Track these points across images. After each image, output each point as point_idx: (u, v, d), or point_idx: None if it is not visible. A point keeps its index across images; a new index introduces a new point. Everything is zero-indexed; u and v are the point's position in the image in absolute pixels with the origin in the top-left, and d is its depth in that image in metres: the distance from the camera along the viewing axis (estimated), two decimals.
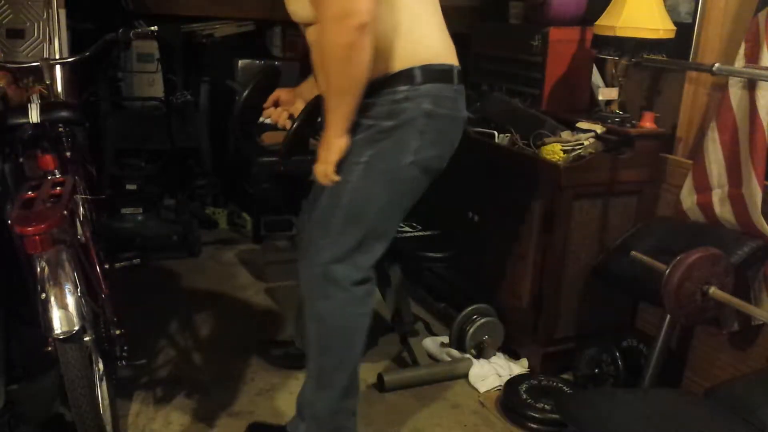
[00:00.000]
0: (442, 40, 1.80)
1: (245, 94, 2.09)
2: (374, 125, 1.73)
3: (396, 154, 1.74)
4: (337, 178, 1.73)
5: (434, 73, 1.74)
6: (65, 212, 1.69)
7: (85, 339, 1.67)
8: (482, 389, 2.48)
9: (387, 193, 1.77)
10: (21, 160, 2.08)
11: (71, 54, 2.91)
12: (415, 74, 1.71)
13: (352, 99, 1.64)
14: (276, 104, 2.12)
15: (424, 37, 1.76)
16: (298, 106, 2.08)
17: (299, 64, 4.15)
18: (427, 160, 1.77)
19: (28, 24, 2.97)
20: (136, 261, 3.28)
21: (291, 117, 2.10)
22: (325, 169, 1.73)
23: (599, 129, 2.48)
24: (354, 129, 1.72)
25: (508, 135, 2.66)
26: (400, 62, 1.72)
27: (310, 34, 1.81)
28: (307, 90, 2.10)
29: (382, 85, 1.71)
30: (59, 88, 2.36)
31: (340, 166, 1.72)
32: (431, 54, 1.75)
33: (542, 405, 2.30)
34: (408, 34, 1.71)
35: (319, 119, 1.86)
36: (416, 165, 1.76)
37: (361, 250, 1.78)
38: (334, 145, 1.70)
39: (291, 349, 2.56)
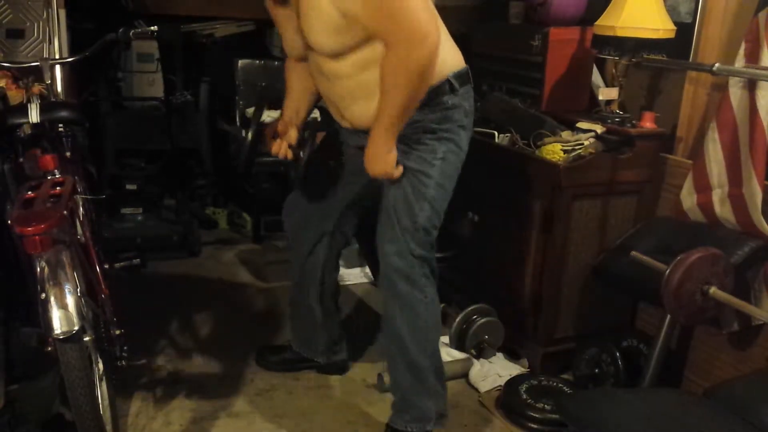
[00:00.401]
0: (454, 44, 2.00)
1: (250, 139, 2.16)
2: (435, 129, 1.93)
3: (456, 152, 1.98)
4: (399, 173, 1.91)
5: (463, 77, 1.97)
6: (65, 212, 1.69)
7: (84, 339, 1.67)
8: (482, 389, 2.48)
9: (451, 186, 2.00)
10: (21, 160, 2.08)
11: (71, 54, 2.91)
12: (453, 83, 1.93)
13: (410, 115, 1.84)
14: (274, 135, 2.18)
15: (448, 47, 1.95)
16: (292, 134, 2.17)
17: None
18: (466, 154, 2.02)
19: (28, 24, 2.97)
20: (136, 261, 3.27)
21: (290, 146, 2.17)
22: (390, 175, 1.92)
23: (599, 129, 2.48)
24: (420, 134, 1.93)
25: (508, 135, 2.66)
26: (440, 74, 1.89)
27: (337, 67, 1.91)
28: (295, 116, 2.21)
29: (429, 97, 1.89)
30: (59, 88, 2.37)
31: (420, 163, 1.92)
32: (456, 60, 1.97)
33: (542, 405, 2.30)
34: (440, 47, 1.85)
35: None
36: (463, 160, 2.02)
37: (434, 239, 1.99)
38: (390, 158, 1.88)
39: (287, 354, 2.57)
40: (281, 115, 2.21)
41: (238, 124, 3.95)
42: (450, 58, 1.95)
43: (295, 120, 2.20)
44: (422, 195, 1.95)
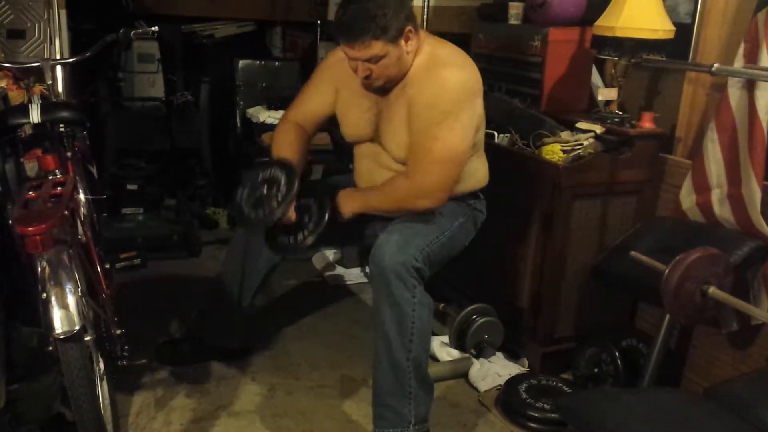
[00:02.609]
0: (486, 162, 2.34)
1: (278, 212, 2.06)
2: (457, 212, 2.23)
3: (470, 229, 2.30)
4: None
5: (485, 190, 2.34)
6: (66, 212, 1.70)
7: (85, 339, 1.67)
8: (482, 388, 2.49)
9: (456, 250, 2.25)
10: (22, 160, 2.08)
11: (72, 54, 2.91)
12: (477, 194, 2.32)
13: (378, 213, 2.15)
14: None
15: (483, 167, 2.32)
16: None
17: (299, 64, 4.16)
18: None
19: (29, 24, 2.98)
20: (137, 261, 3.29)
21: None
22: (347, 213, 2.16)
23: (599, 129, 2.49)
24: (449, 207, 2.19)
25: (508, 135, 2.66)
26: (473, 186, 2.28)
27: (398, 167, 2.18)
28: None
29: (460, 196, 2.25)
30: (60, 89, 2.37)
31: (448, 219, 2.18)
32: (486, 177, 2.32)
33: (542, 404, 2.31)
34: (474, 169, 2.25)
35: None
36: (465, 244, 2.30)
37: (433, 269, 2.13)
38: (350, 208, 2.15)
39: (184, 345, 2.56)
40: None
41: (238, 124, 3.96)
42: (483, 176, 2.30)
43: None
44: (441, 233, 2.14)
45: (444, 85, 2.05)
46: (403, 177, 2.12)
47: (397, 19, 1.98)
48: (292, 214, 2.11)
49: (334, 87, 2.27)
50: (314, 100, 2.31)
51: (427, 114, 2.04)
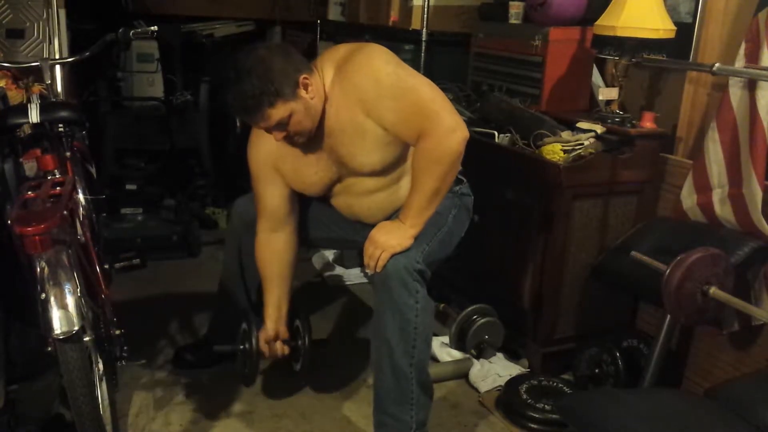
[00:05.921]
0: None
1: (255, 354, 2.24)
2: (449, 204, 2.17)
3: (464, 219, 2.25)
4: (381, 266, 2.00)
5: (462, 173, 2.23)
6: (65, 212, 1.69)
7: (84, 339, 1.67)
8: (482, 389, 2.48)
9: (455, 242, 2.21)
10: (21, 160, 2.08)
11: (71, 54, 2.91)
12: (459, 179, 2.21)
13: (439, 201, 2.02)
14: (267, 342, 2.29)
15: None
16: (283, 332, 2.30)
17: None
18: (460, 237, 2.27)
19: (28, 24, 2.98)
20: (136, 261, 3.27)
21: (285, 342, 2.30)
22: (384, 255, 1.98)
23: (599, 129, 2.48)
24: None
25: (508, 135, 2.65)
26: None
27: (373, 183, 2.13)
28: (278, 313, 2.29)
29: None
30: (59, 88, 2.36)
31: (443, 214, 2.13)
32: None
33: (542, 405, 2.30)
34: None
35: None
36: (462, 235, 2.25)
37: (433, 267, 2.09)
38: (410, 235, 2.00)
39: (201, 353, 2.55)
40: (264, 319, 2.28)
41: (237, 124, 3.95)
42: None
43: (280, 318, 2.29)
44: (438, 229, 2.10)
45: (366, 72, 1.95)
46: (421, 142, 1.95)
47: (287, 77, 1.90)
48: (283, 348, 2.29)
49: (274, 169, 2.17)
50: (269, 193, 2.20)
51: (386, 100, 1.94)
